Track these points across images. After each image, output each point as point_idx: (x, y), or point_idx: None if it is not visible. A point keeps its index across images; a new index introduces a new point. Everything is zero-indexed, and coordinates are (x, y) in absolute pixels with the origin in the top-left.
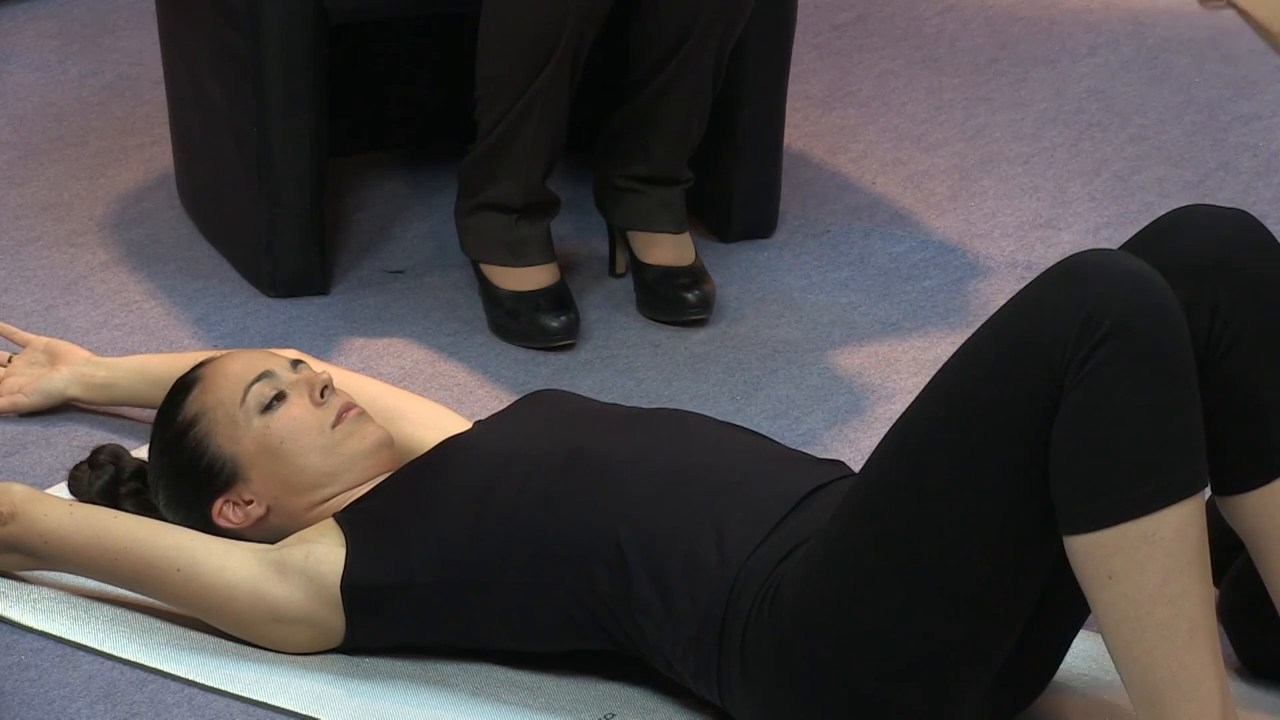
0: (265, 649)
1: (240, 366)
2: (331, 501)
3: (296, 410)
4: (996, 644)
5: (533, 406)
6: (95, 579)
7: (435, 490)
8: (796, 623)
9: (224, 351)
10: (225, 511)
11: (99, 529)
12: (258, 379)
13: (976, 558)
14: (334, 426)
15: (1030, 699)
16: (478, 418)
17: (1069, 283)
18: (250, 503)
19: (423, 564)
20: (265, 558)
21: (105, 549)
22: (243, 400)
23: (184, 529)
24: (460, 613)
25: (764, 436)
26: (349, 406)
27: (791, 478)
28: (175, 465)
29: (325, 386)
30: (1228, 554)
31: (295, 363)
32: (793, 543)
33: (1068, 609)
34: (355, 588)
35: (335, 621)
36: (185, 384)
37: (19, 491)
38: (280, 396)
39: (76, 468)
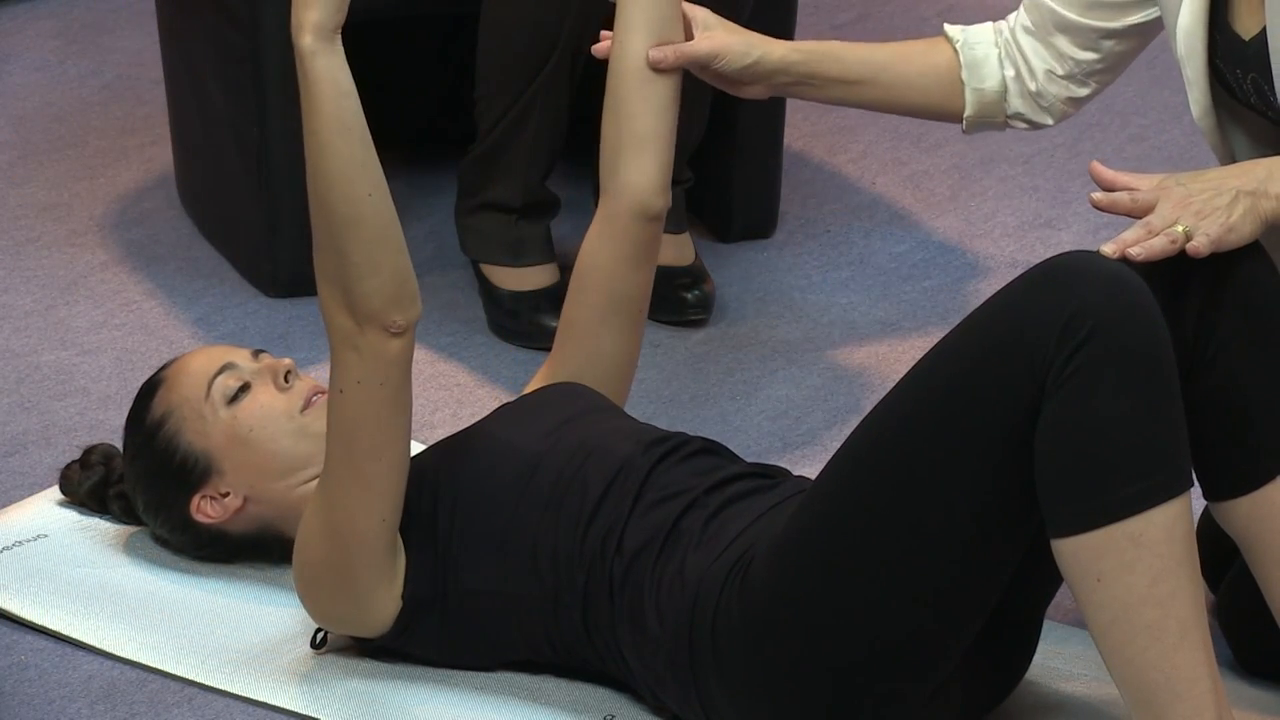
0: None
1: (202, 362)
2: (312, 483)
3: (263, 398)
4: (962, 631)
5: (554, 401)
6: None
7: (468, 497)
8: (767, 610)
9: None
10: (203, 507)
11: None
12: (220, 372)
13: (947, 550)
14: (303, 411)
15: (1008, 685)
16: (478, 417)
17: (1051, 284)
18: (226, 495)
19: (457, 575)
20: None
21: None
22: (207, 394)
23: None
24: (487, 627)
25: (736, 460)
26: (317, 390)
27: (757, 500)
28: (149, 468)
29: (288, 371)
30: (1225, 557)
31: (257, 352)
32: (748, 543)
33: (1036, 593)
34: (413, 598)
35: (382, 616)
36: (149, 387)
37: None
38: (245, 387)
39: (68, 467)
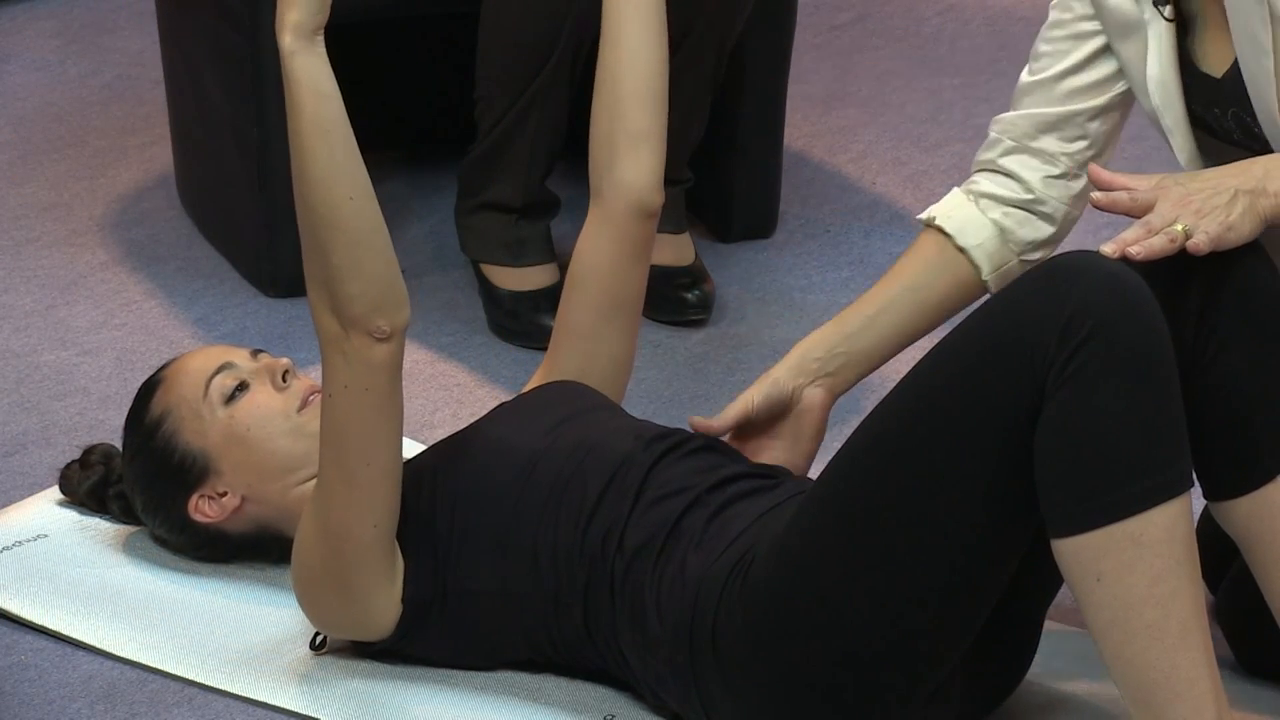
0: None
1: (200, 362)
2: (310, 483)
3: (260, 397)
4: (962, 631)
5: (553, 399)
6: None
7: (467, 497)
8: (767, 611)
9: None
10: (201, 506)
11: (343, 421)
12: (218, 371)
13: (947, 550)
14: (300, 410)
15: (1008, 685)
16: (477, 417)
17: (1051, 284)
18: (224, 495)
19: (456, 576)
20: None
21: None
22: (205, 394)
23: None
24: (488, 627)
25: (737, 459)
26: (315, 390)
27: (759, 499)
28: (147, 467)
29: (286, 371)
30: (1225, 557)
31: (255, 352)
32: (749, 543)
33: (1036, 594)
34: (414, 600)
35: (382, 621)
36: (148, 387)
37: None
38: (242, 386)
39: (68, 467)
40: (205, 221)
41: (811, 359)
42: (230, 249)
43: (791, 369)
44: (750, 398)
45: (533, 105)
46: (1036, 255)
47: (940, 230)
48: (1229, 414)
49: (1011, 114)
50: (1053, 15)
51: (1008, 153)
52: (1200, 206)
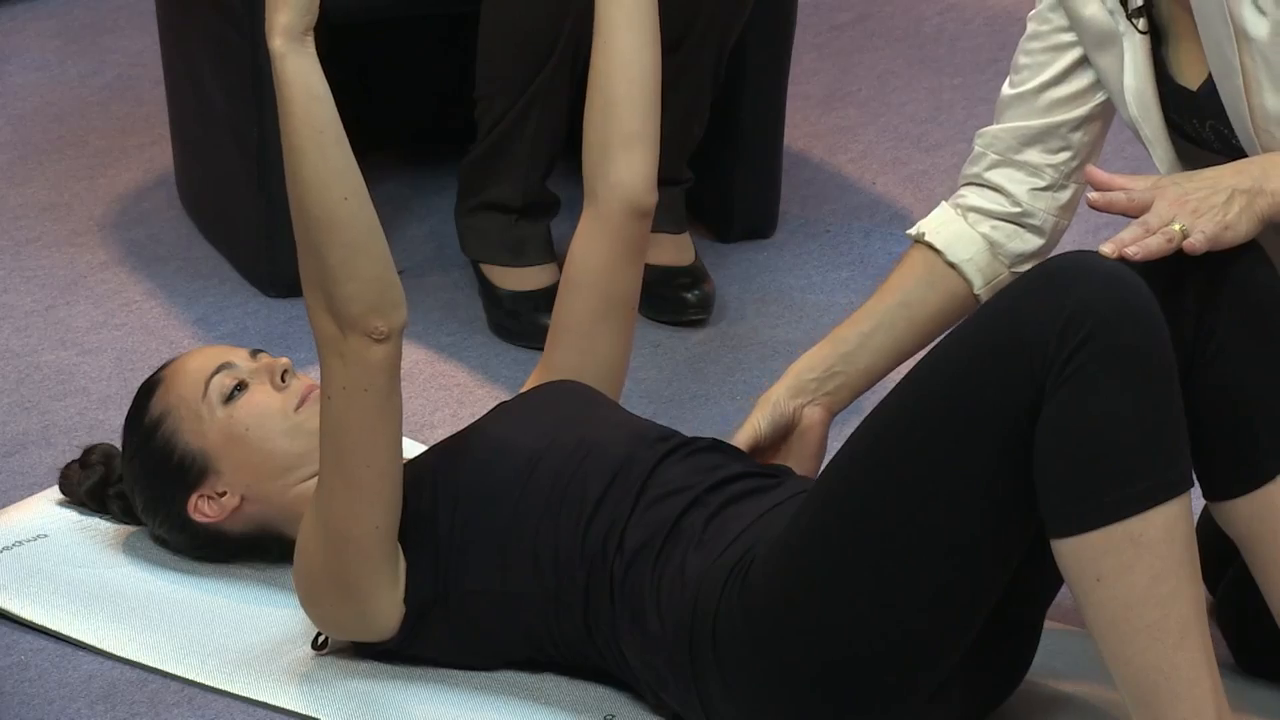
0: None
1: (199, 362)
2: (309, 482)
3: (259, 397)
4: (962, 632)
5: (553, 398)
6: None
7: (468, 496)
8: (767, 611)
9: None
10: (200, 506)
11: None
12: (217, 371)
13: (947, 550)
14: (298, 409)
15: (1009, 686)
16: (478, 417)
17: (1050, 285)
18: (224, 494)
19: (458, 576)
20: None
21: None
22: (204, 393)
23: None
24: (489, 626)
25: (738, 456)
26: (314, 388)
27: (758, 499)
28: (146, 467)
29: (285, 370)
30: (1225, 557)
31: (255, 351)
32: (748, 544)
33: (1036, 595)
34: (415, 601)
35: (385, 623)
36: (148, 387)
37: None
38: (241, 385)
39: (68, 467)
40: (205, 221)
41: (808, 379)
42: (230, 249)
43: (790, 389)
44: (756, 423)
45: (533, 105)
46: (1026, 267)
47: (929, 246)
48: (1229, 414)
49: (995, 127)
50: (1030, 27)
51: (993, 166)
52: (1197, 206)
